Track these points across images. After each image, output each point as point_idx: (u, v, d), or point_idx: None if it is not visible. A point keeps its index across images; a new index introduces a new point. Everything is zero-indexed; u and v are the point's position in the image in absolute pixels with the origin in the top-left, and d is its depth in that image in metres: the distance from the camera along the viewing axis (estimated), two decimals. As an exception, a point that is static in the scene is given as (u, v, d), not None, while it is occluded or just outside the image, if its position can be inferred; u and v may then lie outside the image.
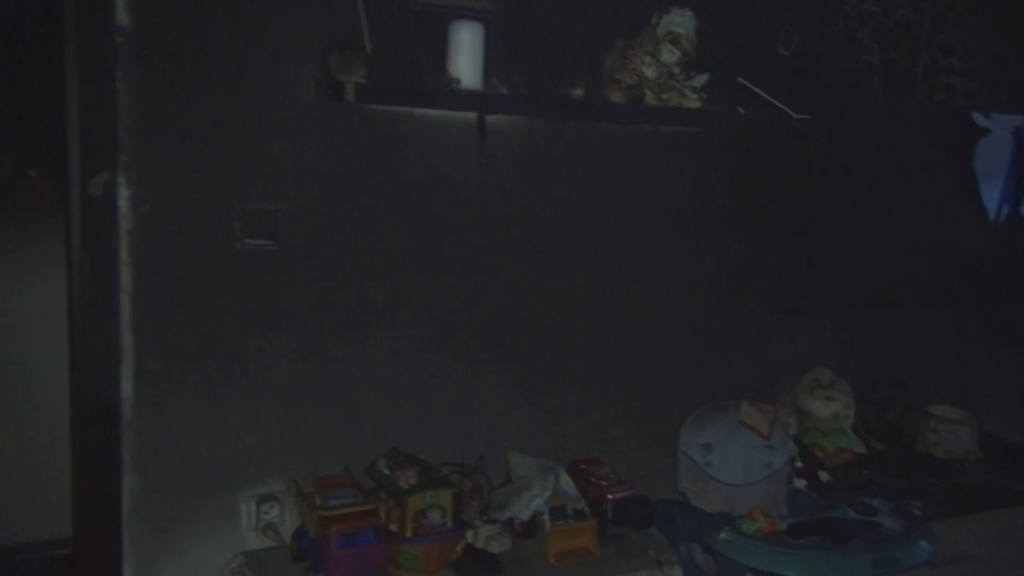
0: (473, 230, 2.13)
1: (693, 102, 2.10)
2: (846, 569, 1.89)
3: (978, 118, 2.75)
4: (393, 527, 1.82)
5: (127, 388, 1.81)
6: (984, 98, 2.74)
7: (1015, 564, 2.40)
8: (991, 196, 2.81)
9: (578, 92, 2.16)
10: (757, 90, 2.28)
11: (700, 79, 2.13)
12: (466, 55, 1.90)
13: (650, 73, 2.06)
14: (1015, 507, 2.37)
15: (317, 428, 2.01)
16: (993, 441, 2.64)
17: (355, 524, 1.74)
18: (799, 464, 2.31)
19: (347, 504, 1.78)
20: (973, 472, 2.49)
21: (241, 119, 1.85)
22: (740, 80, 2.29)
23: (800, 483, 2.29)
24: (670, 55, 2.03)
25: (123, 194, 1.76)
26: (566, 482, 1.98)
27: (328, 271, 1.99)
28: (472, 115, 1.96)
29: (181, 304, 1.85)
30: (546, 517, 1.93)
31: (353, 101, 1.79)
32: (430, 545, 1.81)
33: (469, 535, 1.89)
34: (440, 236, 2.10)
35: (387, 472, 1.90)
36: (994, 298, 2.91)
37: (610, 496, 2.03)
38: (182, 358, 1.86)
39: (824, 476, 2.34)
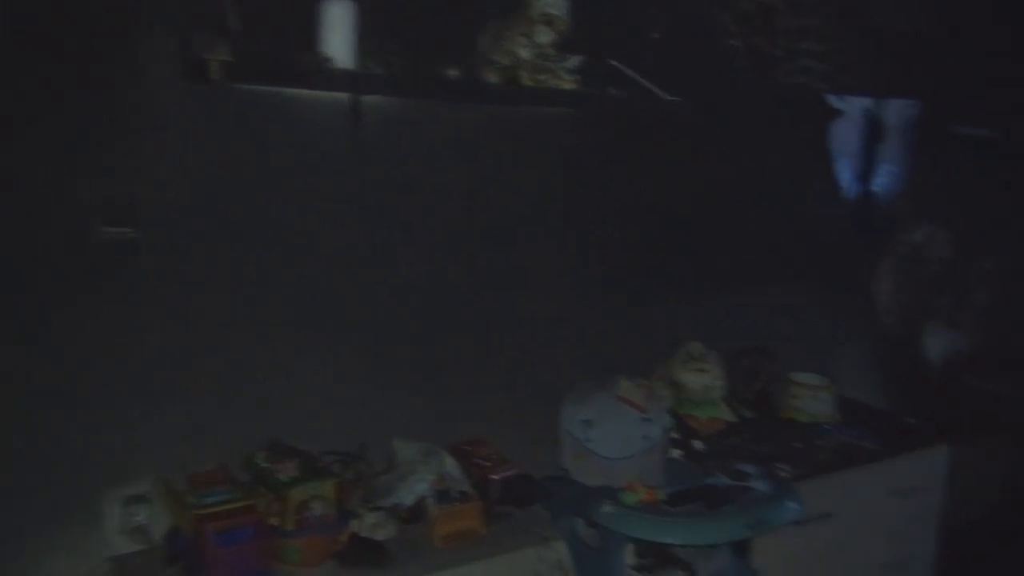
0: (349, 213, 2.09)
1: (567, 83, 2.12)
2: (722, 532, 1.97)
3: (833, 100, 2.89)
4: (274, 521, 1.77)
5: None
6: (838, 81, 2.89)
7: (871, 518, 2.57)
8: (845, 174, 2.97)
9: (454, 73, 2.14)
10: (629, 72, 2.32)
11: (574, 60, 2.15)
12: (338, 33, 1.85)
13: (525, 54, 2.06)
14: (870, 465, 2.52)
15: (188, 423, 1.93)
16: (850, 404, 2.81)
17: (233, 521, 1.68)
18: (675, 435, 2.38)
19: (223, 501, 1.72)
20: (833, 435, 2.64)
21: (95, 99, 1.73)
22: (612, 62, 2.32)
23: (676, 453, 2.37)
24: (544, 36, 2.04)
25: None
26: (450, 465, 1.98)
27: (196, 258, 1.90)
28: (346, 96, 1.91)
29: (30, 295, 1.72)
30: (431, 501, 1.93)
31: (219, 80, 1.71)
32: (313, 537, 1.77)
33: (354, 524, 1.86)
34: (315, 220, 2.04)
35: (265, 465, 1.84)
36: (848, 271, 3.10)
37: (494, 476, 2.04)
38: (33, 354, 1.74)
39: (698, 445, 2.42)
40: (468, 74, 2.14)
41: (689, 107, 2.35)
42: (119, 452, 1.85)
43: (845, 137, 2.95)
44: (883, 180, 3.05)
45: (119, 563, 1.81)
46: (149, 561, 1.81)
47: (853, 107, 2.93)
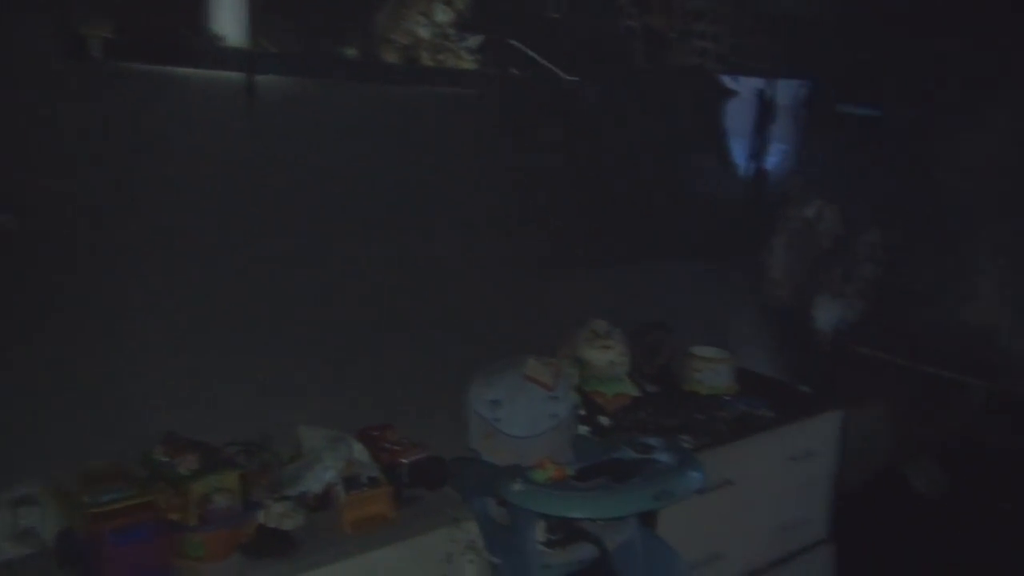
0: (245, 197, 2.02)
1: (468, 63, 2.11)
2: (629, 505, 2.02)
3: (727, 80, 2.97)
4: (175, 517, 1.71)
5: None
6: (731, 62, 2.96)
7: (769, 483, 2.68)
8: (739, 152, 3.06)
9: (351, 52, 2.09)
10: (529, 52, 2.32)
11: (474, 40, 2.14)
12: (229, 11, 1.78)
13: (424, 33, 2.04)
14: (767, 433, 2.63)
15: (79, 419, 1.84)
16: (747, 376, 2.91)
17: (130, 519, 1.62)
18: (582, 412, 2.42)
19: (120, 498, 1.65)
20: (732, 405, 2.73)
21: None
22: (512, 42, 2.32)
23: (583, 429, 2.40)
24: (443, 15, 2.03)
25: None
26: (358, 451, 1.96)
27: (81, 246, 1.81)
28: (239, 76, 1.85)
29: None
30: (339, 488, 1.90)
31: (101, 59, 1.62)
32: (217, 531, 1.72)
33: (260, 515, 1.82)
34: (209, 205, 1.97)
35: (164, 459, 1.78)
36: (744, 246, 3.20)
37: (404, 460, 2.03)
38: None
39: (605, 421, 2.47)
40: (366, 53, 2.11)
41: (588, 87, 2.37)
42: (1, 452, 1.75)
43: (739, 117, 3.04)
44: (775, 158, 3.16)
45: (7, 569, 1.72)
46: (40, 565, 1.72)
47: (746, 87, 3.02)
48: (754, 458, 2.61)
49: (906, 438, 3.61)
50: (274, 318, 2.13)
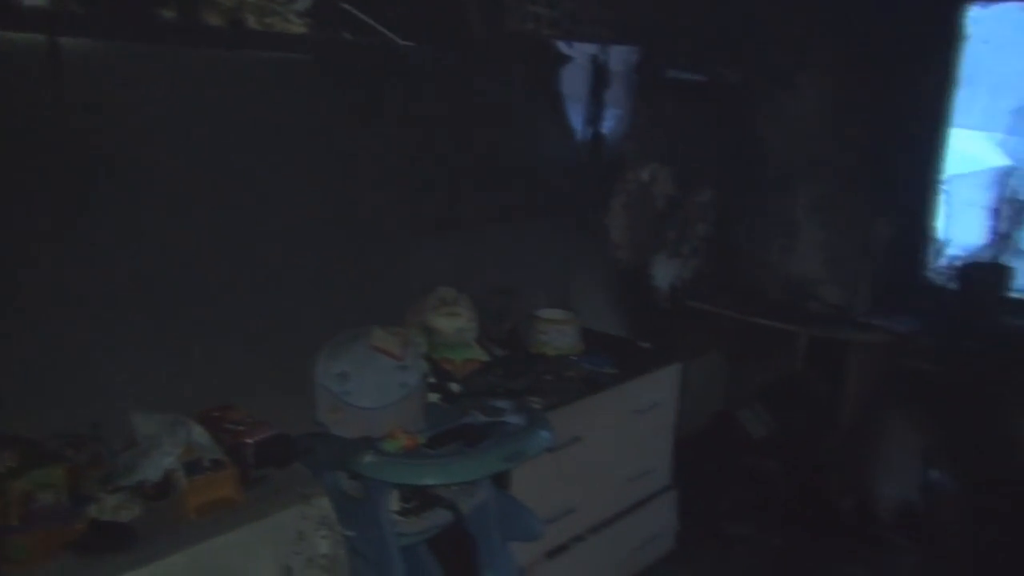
0: (54, 170, 1.87)
1: (297, 27, 2.03)
2: (481, 468, 2.05)
3: (562, 46, 3.01)
4: (-6, 518, 1.58)
5: None
6: (565, 28, 3.00)
7: (616, 436, 2.78)
8: (576, 117, 3.12)
9: (169, 13, 1.96)
10: (362, 16, 2.26)
11: (303, 3, 2.06)
12: (24, -36, 1.63)
13: (248, -7, 1.94)
14: (612, 389, 2.72)
15: None
16: (592, 335, 2.99)
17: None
18: (431, 379, 2.42)
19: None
20: (578, 364, 2.80)
21: None
22: (344, 5, 2.25)
23: (434, 397, 2.40)
24: (268, -26, 1.93)
25: None
26: (199, 434, 1.87)
27: None
28: (40, 37, 1.70)
29: None
30: (180, 473, 1.81)
31: None
32: (41, 530, 1.61)
33: (92, 509, 1.71)
34: (15, 180, 1.81)
35: (-22, 458, 1.64)
36: (583, 209, 3.28)
37: (248, 440, 1.96)
38: None
39: (455, 387, 2.48)
40: (185, 15, 1.98)
41: (423, 52, 2.34)
42: None
43: (574, 82, 3.09)
44: (610, 123, 3.24)
45: None
46: None
47: (580, 53, 3.07)
48: (601, 414, 2.69)
49: (739, 385, 3.85)
50: (99, 299, 1.99)
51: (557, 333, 2.86)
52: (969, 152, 4.76)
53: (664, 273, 3.72)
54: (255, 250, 2.29)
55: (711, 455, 3.61)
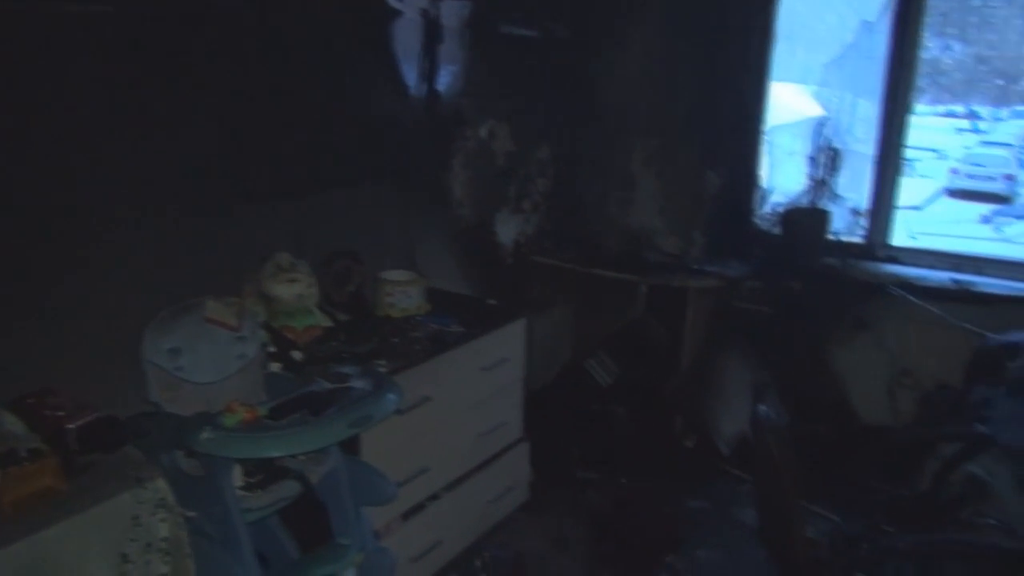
0: None
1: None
2: (326, 436, 2.00)
3: (392, 2, 2.93)
4: None
5: None
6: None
7: (466, 394, 2.80)
8: (411, 74, 3.06)
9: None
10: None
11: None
12: None
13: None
14: (460, 347, 2.73)
15: None
16: (437, 295, 2.99)
17: None
18: (272, 349, 2.34)
19: None
20: (425, 324, 2.79)
21: None
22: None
23: (276, 366, 2.33)
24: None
25: None
26: (11, 422, 1.73)
27: None
28: None
29: None
30: (-7, 467, 1.67)
31: None
32: None
33: None
34: None
35: None
36: (423, 168, 3.24)
37: (70, 425, 1.83)
38: None
39: (297, 355, 2.41)
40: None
41: (243, 4, 2.22)
42: None
43: (406, 38, 3.02)
44: (445, 79, 3.20)
45: None
46: None
47: (411, 7, 3.00)
48: (449, 373, 2.70)
49: (585, 336, 3.95)
50: None
51: (402, 294, 2.83)
52: (788, 104, 5.05)
53: (507, 229, 3.75)
54: (67, 225, 2.12)
55: (561, 405, 3.71)
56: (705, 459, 3.64)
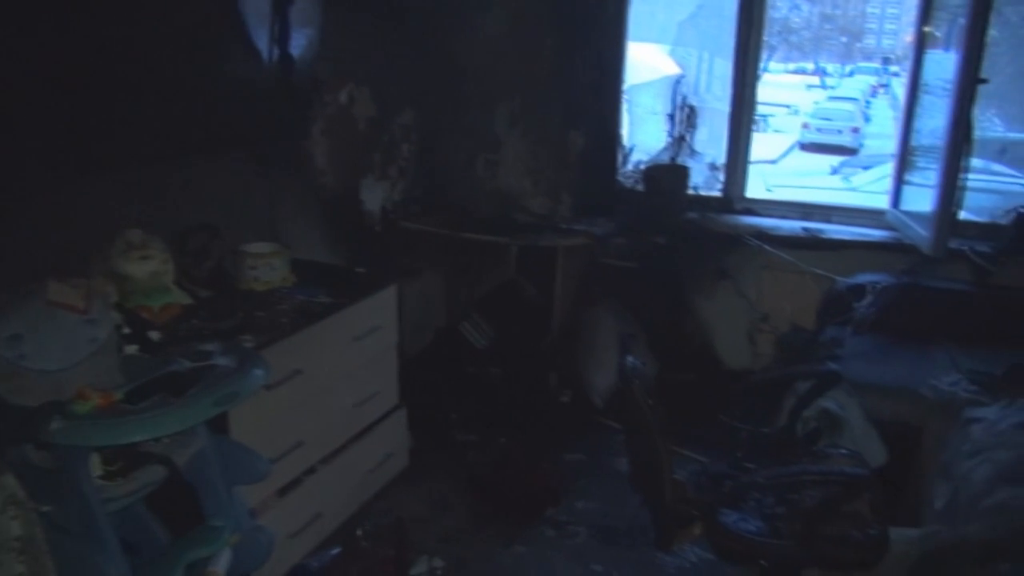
0: None
1: None
2: (190, 416, 1.93)
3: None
4: None
5: None
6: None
7: (338, 365, 2.76)
8: (263, 39, 2.94)
9: None
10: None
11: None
12: None
13: None
14: (330, 318, 2.68)
15: None
16: (303, 265, 2.91)
17: None
18: (126, 330, 2.23)
19: None
20: (291, 296, 2.72)
21: None
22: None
23: (132, 349, 2.23)
24: None
25: None
26: None
27: None
28: None
29: None
30: None
31: None
32: None
33: None
34: None
35: None
36: (282, 136, 3.14)
37: None
38: None
39: (155, 335, 2.31)
40: None
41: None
42: None
43: (256, 1, 2.89)
44: (301, 42, 3.09)
45: None
46: None
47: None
48: (320, 344, 2.65)
49: (458, 300, 3.97)
50: None
51: (265, 267, 2.75)
52: (647, 63, 5.18)
53: (373, 196, 3.69)
54: None
55: (437, 370, 3.72)
56: (580, 413, 3.74)
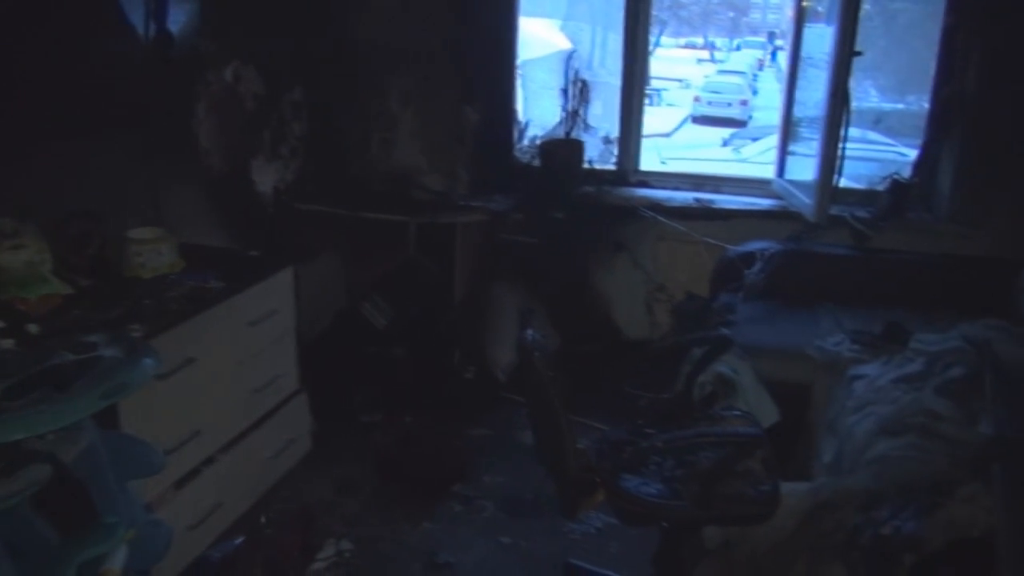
0: None
1: None
2: (74, 411, 1.85)
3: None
4: None
5: None
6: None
7: (234, 351, 2.69)
8: (136, 14, 2.80)
9: None
10: None
11: None
12: None
13: None
14: (223, 303, 2.60)
15: None
16: (193, 250, 2.81)
17: None
18: (1, 324, 2.12)
19: None
20: (181, 282, 2.62)
21: None
22: None
23: (8, 343, 2.11)
24: None
25: None
26: None
27: None
28: None
29: None
30: None
31: None
32: None
33: None
34: None
35: None
36: (164, 115, 3.01)
37: None
38: None
39: (33, 328, 2.19)
40: None
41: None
42: None
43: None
44: (180, 17, 2.96)
45: None
46: None
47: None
48: (213, 331, 2.57)
49: (358, 280, 3.91)
50: None
51: (152, 253, 2.64)
52: (539, 37, 5.20)
53: (265, 177, 3.59)
54: None
55: (339, 352, 3.67)
56: (485, 388, 3.76)
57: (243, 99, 3.41)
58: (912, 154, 3.96)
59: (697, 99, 14.60)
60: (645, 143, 4.32)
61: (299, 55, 3.74)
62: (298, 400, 3.09)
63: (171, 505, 2.45)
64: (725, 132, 11.97)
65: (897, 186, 3.69)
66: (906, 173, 3.74)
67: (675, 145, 10.94)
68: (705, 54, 19.12)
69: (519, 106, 4.29)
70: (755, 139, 9.84)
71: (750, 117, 13.92)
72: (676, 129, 13.47)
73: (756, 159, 7.94)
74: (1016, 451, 2.10)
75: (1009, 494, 1.92)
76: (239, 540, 2.70)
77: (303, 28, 3.74)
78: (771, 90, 15.18)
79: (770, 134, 8.10)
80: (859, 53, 3.33)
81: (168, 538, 2.23)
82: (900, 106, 8.03)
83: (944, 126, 3.64)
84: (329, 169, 4.02)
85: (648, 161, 4.41)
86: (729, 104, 14.15)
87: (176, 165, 3.09)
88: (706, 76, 15.61)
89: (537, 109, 4.45)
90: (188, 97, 3.10)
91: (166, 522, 2.25)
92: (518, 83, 4.25)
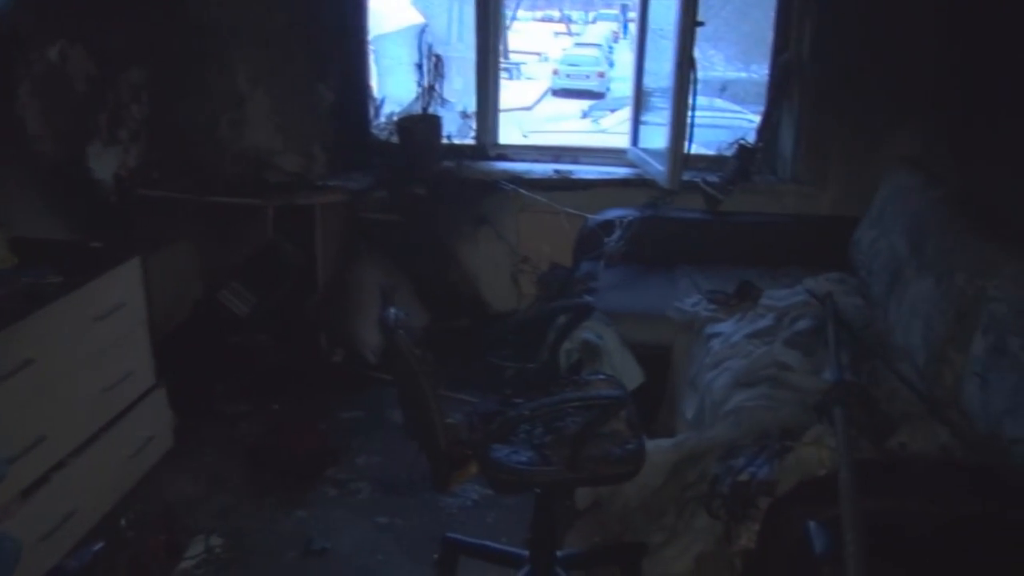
0: None
1: None
2: None
3: None
4: None
5: None
6: None
7: (80, 348, 2.54)
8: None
9: None
10: None
11: None
12: None
13: None
14: (60, 299, 2.45)
15: None
16: (25, 244, 2.62)
17: None
18: None
19: None
20: (13, 279, 2.45)
21: None
22: None
23: None
24: None
25: None
26: None
27: None
28: None
29: None
30: None
31: None
32: None
33: None
34: None
35: None
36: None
37: None
38: None
39: None
40: None
41: None
42: None
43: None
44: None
45: None
46: None
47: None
48: (53, 329, 2.42)
49: (215, 268, 3.76)
50: None
51: (-20, 249, 2.45)
52: (390, 12, 5.12)
53: (104, 164, 3.38)
54: None
55: (198, 343, 3.53)
56: (354, 370, 3.71)
57: (72, 80, 3.19)
58: (757, 120, 4.14)
59: (556, 72, 14.76)
60: (507, 117, 4.33)
61: (136, 34, 3.53)
62: (155, 396, 2.96)
63: (18, 517, 2.30)
64: (584, 104, 12.17)
65: (743, 151, 3.85)
66: (752, 138, 3.91)
67: (536, 118, 11.05)
68: (562, 27, 19.33)
69: (374, 82, 4.21)
70: (613, 110, 10.05)
71: (608, 89, 14.20)
72: (537, 102, 13.59)
73: (615, 130, 8.11)
74: (854, 394, 2.25)
75: (847, 433, 2.05)
76: (98, 546, 2.55)
77: (140, 5, 3.52)
78: (627, 62, 15.49)
79: (627, 105, 8.30)
80: (701, 23, 3.44)
81: (17, 552, 2.08)
82: (744, 74, 8.38)
83: (783, 92, 3.82)
84: (175, 153, 3.82)
85: (510, 135, 4.43)
86: (587, 76, 14.37)
87: (1, 153, 2.86)
88: (564, 49, 15.80)
89: (393, 85, 4.38)
90: (8, 79, 2.87)
91: (12, 535, 2.11)
92: (371, 59, 4.17)
